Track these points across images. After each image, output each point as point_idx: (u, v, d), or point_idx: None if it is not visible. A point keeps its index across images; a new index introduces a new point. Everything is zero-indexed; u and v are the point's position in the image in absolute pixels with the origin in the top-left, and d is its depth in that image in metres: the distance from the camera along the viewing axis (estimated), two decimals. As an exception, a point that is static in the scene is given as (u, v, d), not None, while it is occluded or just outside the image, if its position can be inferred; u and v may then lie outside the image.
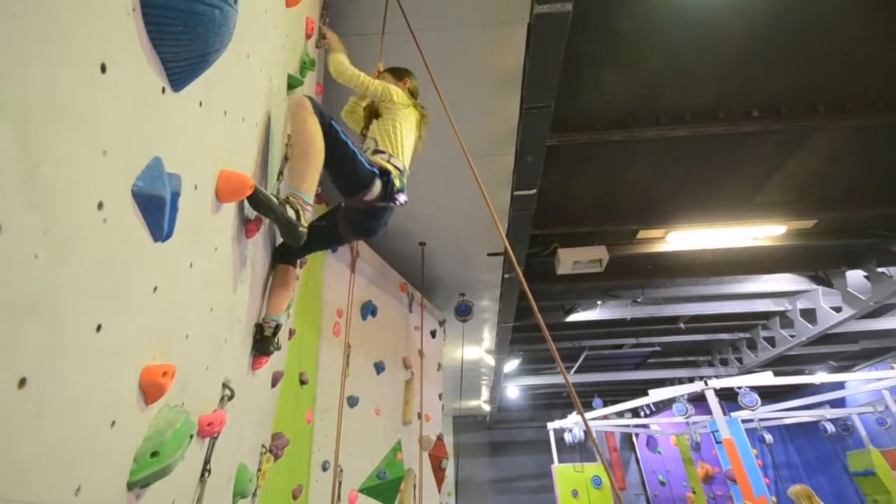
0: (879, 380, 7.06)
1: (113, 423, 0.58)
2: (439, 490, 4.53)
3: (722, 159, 3.97)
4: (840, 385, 7.73)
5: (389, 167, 1.70)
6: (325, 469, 2.83)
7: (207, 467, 1.04)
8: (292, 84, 1.51)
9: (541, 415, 9.99)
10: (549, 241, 4.78)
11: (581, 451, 8.28)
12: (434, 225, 4.14)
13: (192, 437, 0.76)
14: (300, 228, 1.27)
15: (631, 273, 5.42)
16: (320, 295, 3.02)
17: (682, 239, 4.75)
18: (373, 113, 1.95)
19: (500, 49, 2.56)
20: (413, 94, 2.06)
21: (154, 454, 0.66)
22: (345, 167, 1.54)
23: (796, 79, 3.26)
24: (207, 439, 1.04)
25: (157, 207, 0.60)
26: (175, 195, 0.64)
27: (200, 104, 0.76)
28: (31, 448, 0.44)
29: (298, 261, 1.73)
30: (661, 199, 4.38)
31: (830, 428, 8.13)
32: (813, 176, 4.15)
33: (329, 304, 3.11)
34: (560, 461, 8.16)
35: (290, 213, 1.25)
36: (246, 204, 1.13)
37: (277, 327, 1.52)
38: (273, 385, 2.03)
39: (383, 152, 1.77)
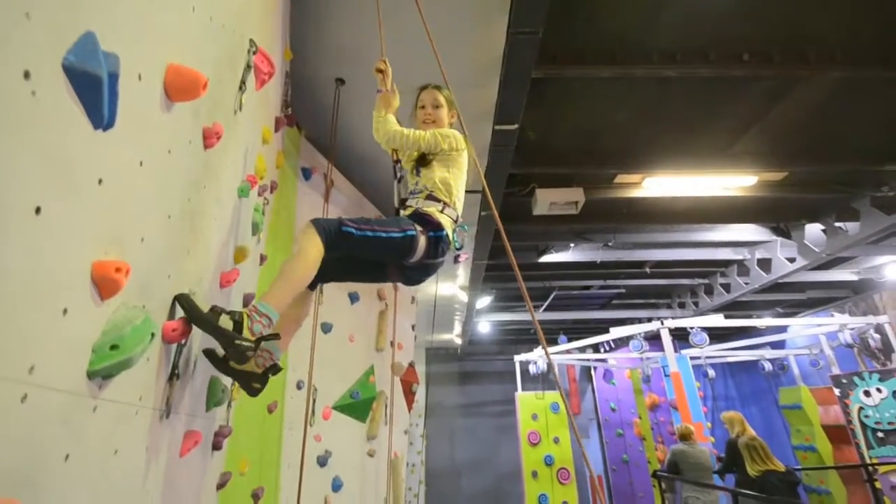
0: (819, 325, 7.72)
1: (65, 310, 0.58)
2: (409, 411, 4.86)
3: (707, 106, 3.94)
4: (783, 329, 8.43)
5: (443, 220, 1.51)
6: (299, 388, 2.96)
7: (176, 371, 1.08)
8: (254, -20, 1.36)
9: (509, 348, 10.61)
10: (528, 180, 4.76)
11: (543, 381, 8.95)
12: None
13: (153, 335, 0.78)
14: (238, 342, 1.07)
15: (605, 217, 5.52)
16: (293, 223, 2.97)
17: (657, 185, 4.81)
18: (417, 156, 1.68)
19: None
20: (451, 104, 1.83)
21: (113, 347, 0.67)
22: (377, 249, 1.41)
23: (790, 23, 3.17)
24: (174, 345, 1.06)
25: (92, 87, 0.55)
26: (113, 76, 0.59)
27: (140, -19, 0.68)
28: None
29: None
30: (642, 144, 4.36)
31: (768, 366, 8.97)
32: (791, 128, 4.19)
33: (302, 233, 3.08)
34: (523, 390, 8.82)
35: (225, 321, 1.08)
36: None
37: (261, 339, 1.15)
38: (244, 305, 2.05)
39: (438, 201, 1.57)
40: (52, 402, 0.57)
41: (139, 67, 0.69)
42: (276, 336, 1.18)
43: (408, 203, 1.60)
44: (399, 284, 4.57)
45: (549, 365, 1.21)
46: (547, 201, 4.63)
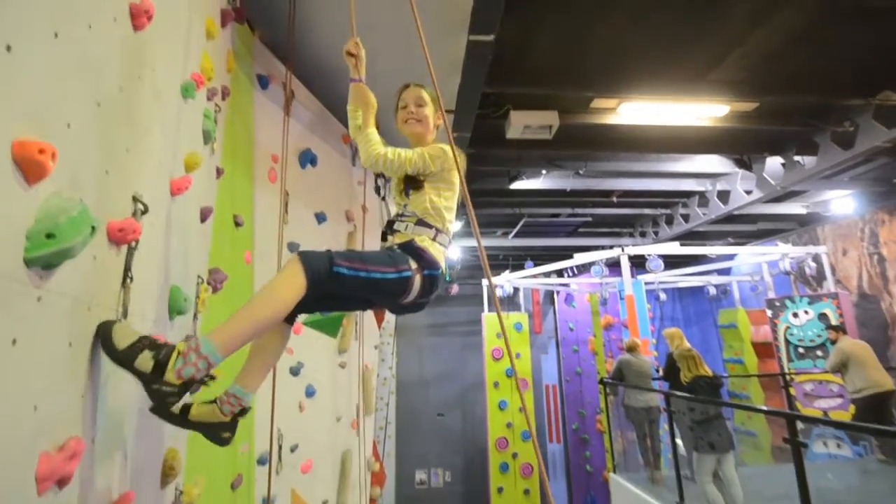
0: (764, 254, 8.33)
1: (-16, 190, 0.54)
2: (379, 328, 5.08)
3: (690, 24, 3.78)
4: (730, 257, 9.07)
5: (437, 253, 1.37)
6: (268, 304, 3.01)
7: (129, 274, 1.06)
8: None
9: (477, 273, 10.95)
10: (503, 101, 4.60)
11: (509, 303, 9.45)
12: (378, 71, 3.75)
13: (93, 229, 0.75)
14: (155, 387, 0.93)
15: (578, 144, 5.49)
16: (252, 136, 2.80)
17: (633, 112, 4.76)
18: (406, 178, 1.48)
19: None
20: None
21: (49, 236, 0.65)
22: (369, 290, 1.27)
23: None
24: (124, 247, 1.03)
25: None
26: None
27: None
28: None
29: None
30: (622, 65, 4.22)
31: (713, 291, 9.77)
32: (769, 56, 4.13)
33: (262, 148, 2.91)
34: (490, 311, 9.32)
35: (144, 360, 0.92)
36: None
37: (187, 384, 0.99)
38: (202, 220, 1.99)
39: (430, 227, 1.41)
40: (-14, 285, 0.56)
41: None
42: (205, 381, 1.03)
43: (395, 227, 1.45)
44: (368, 206, 4.53)
45: (492, 290, 1.23)
46: (521, 124, 4.52)
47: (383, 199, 1.63)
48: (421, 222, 1.42)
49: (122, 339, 0.93)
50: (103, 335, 0.92)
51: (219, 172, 2.24)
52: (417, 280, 1.31)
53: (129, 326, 0.98)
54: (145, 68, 1.03)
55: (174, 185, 1.38)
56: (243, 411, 1.18)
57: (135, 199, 1.07)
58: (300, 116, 3.42)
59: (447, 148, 1.48)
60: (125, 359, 0.93)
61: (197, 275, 1.97)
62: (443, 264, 1.40)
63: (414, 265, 1.31)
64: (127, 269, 1.05)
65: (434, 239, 1.41)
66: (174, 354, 0.97)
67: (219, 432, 1.15)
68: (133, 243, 1.03)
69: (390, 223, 1.49)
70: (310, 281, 1.13)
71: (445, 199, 1.48)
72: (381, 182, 1.64)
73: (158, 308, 1.41)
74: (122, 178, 0.98)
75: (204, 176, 1.84)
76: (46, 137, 0.65)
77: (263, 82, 2.86)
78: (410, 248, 1.36)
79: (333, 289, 1.21)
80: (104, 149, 0.88)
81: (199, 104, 1.64)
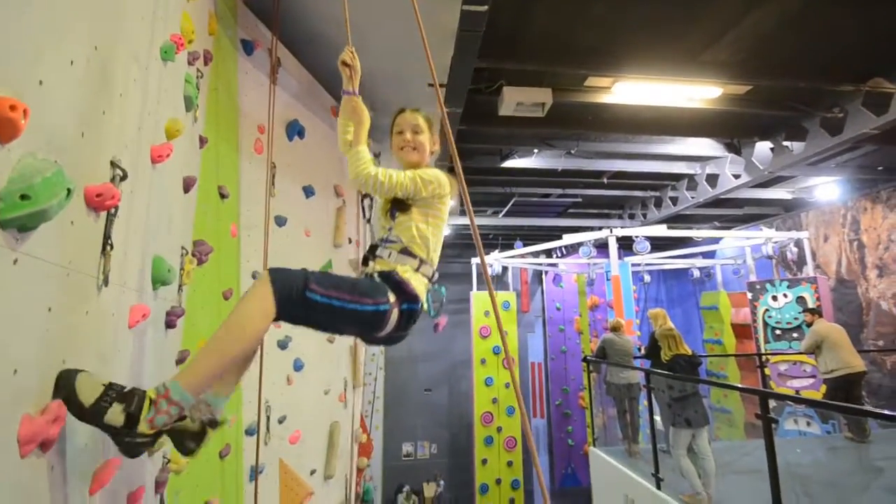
0: (748, 238, 8.48)
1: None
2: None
3: (687, 2, 3.72)
4: (715, 240, 9.21)
5: (419, 285, 1.30)
6: (254, 277, 2.99)
7: (109, 242, 1.04)
8: None
9: (468, 252, 10.99)
10: (496, 77, 4.51)
11: (498, 282, 9.54)
12: (370, 42, 3.63)
13: (69, 191, 0.73)
14: (127, 440, 0.89)
15: (571, 123, 5.44)
16: (235, 104, 2.71)
17: (627, 91, 4.71)
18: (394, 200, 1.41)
19: None
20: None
21: (23, 197, 0.63)
22: (341, 320, 1.21)
23: None
24: (103, 213, 1.01)
25: None
26: None
27: None
28: None
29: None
30: (617, 43, 4.15)
31: (697, 273, 9.97)
32: (762, 39, 4.09)
33: (247, 118, 2.83)
34: (479, 290, 9.41)
35: (115, 415, 0.86)
36: None
37: (161, 432, 0.96)
38: (186, 190, 1.95)
39: (414, 256, 1.35)
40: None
41: None
42: (181, 425, 0.99)
43: (378, 253, 1.39)
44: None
45: (484, 271, 1.20)
46: (513, 101, 4.45)
47: (368, 221, 1.61)
48: (405, 251, 1.36)
49: (88, 395, 0.86)
50: (66, 390, 0.84)
51: (202, 141, 2.18)
52: (394, 314, 1.24)
53: (92, 376, 0.91)
54: (119, 27, 0.99)
55: (154, 152, 1.34)
56: (214, 423, 1.09)
57: (113, 165, 1.03)
58: (287, 85, 3.32)
59: (441, 175, 1.42)
60: (94, 415, 0.87)
61: (181, 246, 1.94)
62: (423, 297, 1.34)
63: (392, 298, 1.25)
64: (107, 236, 1.03)
65: (417, 269, 1.35)
66: (146, 404, 0.92)
67: (185, 441, 1.05)
68: (112, 210, 1.01)
69: (373, 248, 1.43)
70: (279, 305, 1.07)
71: (433, 226, 1.43)
72: (366, 204, 1.62)
73: (141, 278, 1.39)
74: (99, 141, 0.95)
75: (186, 144, 1.79)
76: (16, 94, 0.62)
77: (248, 48, 2.76)
78: (391, 280, 1.29)
79: (302, 314, 1.15)
80: (79, 110, 0.84)
81: (179, 68, 1.57)
